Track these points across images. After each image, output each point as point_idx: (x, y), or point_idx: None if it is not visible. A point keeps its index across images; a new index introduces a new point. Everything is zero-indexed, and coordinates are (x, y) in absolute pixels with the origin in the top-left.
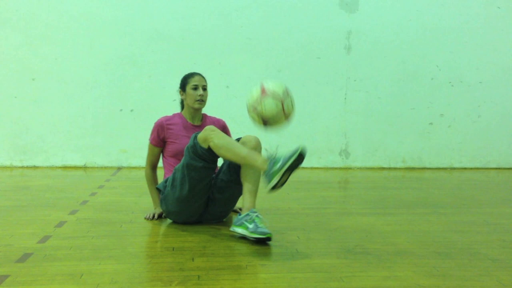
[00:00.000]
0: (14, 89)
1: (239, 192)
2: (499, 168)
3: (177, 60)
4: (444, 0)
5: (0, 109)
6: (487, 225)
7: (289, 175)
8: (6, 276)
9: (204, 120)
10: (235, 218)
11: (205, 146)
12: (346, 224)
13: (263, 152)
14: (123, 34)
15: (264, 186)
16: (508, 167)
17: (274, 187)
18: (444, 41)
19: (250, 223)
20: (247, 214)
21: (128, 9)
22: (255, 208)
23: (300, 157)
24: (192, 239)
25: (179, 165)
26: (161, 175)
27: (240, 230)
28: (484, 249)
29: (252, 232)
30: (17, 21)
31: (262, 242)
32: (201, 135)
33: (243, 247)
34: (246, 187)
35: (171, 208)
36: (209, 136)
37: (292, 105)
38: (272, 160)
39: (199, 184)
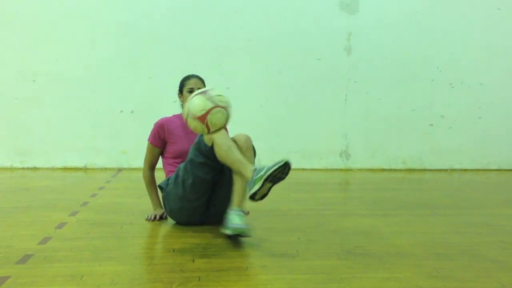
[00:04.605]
0: (15, 91)
1: None
2: (499, 170)
3: (177, 61)
4: (444, 2)
5: (0, 110)
6: (487, 227)
7: (271, 186)
8: (7, 278)
9: None
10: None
11: (209, 144)
12: (347, 225)
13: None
14: (124, 35)
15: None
16: (509, 168)
17: (254, 195)
18: (444, 42)
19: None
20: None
21: (128, 11)
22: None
23: (285, 166)
24: (193, 240)
25: (182, 164)
26: (159, 177)
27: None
28: (485, 250)
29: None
30: (17, 22)
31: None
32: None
33: (243, 248)
34: (235, 187)
35: (173, 206)
36: (215, 135)
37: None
38: (258, 169)
39: (201, 181)
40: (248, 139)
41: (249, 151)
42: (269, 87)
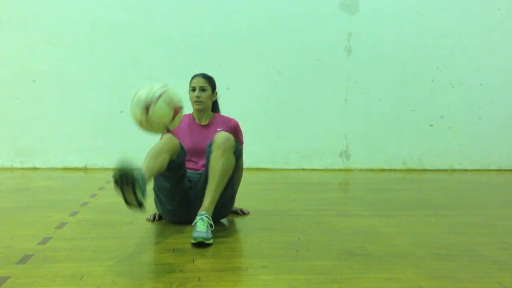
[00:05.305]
0: (15, 91)
1: (227, 194)
2: (499, 170)
3: (177, 61)
4: (444, 2)
5: (0, 110)
6: (488, 227)
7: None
8: (7, 278)
9: (213, 120)
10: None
11: None
12: (347, 225)
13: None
14: (124, 35)
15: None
16: (509, 168)
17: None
18: (444, 43)
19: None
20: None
21: (128, 11)
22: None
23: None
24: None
25: None
26: None
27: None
28: (485, 251)
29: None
30: (17, 22)
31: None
32: None
33: (243, 249)
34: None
35: (158, 208)
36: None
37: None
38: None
39: (163, 189)
40: (226, 140)
41: (227, 152)
42: (269, 87)
